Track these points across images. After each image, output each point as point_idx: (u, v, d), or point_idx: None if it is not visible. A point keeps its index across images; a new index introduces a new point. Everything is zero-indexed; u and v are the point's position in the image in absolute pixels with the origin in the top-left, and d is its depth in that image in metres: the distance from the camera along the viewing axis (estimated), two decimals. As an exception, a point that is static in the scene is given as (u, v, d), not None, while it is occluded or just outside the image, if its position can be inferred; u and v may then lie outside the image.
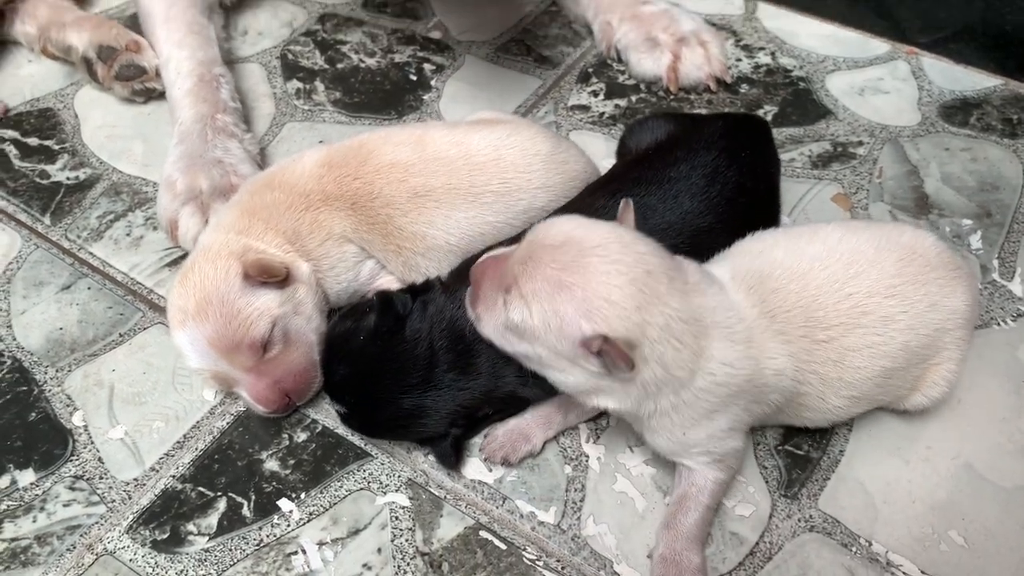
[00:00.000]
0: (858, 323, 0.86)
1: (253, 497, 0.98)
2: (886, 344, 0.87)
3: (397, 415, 0.93)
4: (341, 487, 0.98)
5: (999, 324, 1.09)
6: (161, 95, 1.40)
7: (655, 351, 0.76)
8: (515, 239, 0.92)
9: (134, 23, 1.53)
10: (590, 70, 1.45)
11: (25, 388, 1.09)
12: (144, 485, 1.00)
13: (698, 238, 0.94)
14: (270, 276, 0.97)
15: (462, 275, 0.94)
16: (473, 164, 1.02)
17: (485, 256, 0.86)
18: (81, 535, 0.96)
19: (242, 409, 1.05)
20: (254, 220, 1.03)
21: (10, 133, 1.41)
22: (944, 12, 1.39)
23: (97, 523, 0.97)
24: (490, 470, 0.98)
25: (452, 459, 0.95)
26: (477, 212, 1.02)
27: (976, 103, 1.36)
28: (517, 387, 0.92)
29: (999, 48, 1.38)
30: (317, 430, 1.03)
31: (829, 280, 0.87)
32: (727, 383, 0.80)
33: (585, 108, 1.38)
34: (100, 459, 1.02)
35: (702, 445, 0.84)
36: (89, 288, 1.19)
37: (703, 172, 0.98)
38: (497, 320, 0.82)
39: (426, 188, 1.02)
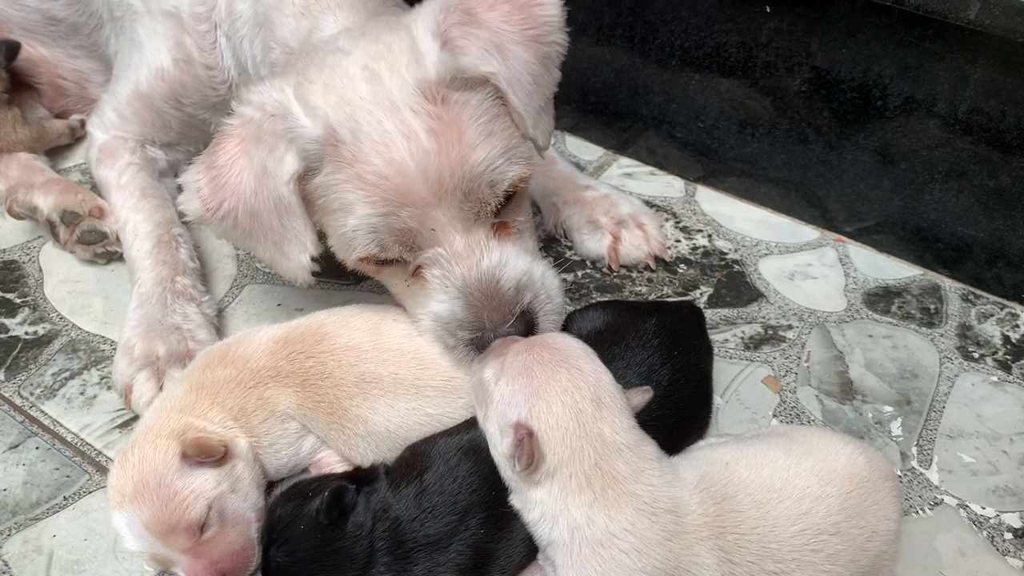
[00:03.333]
0: (808, 560, 0.91)
1: (186, 677, 0.98)
2: None
3: None
4: (275, 667, 0.99)
5: (917, 512, 1.15)
6: (121, 257, 1.45)
7: (562, 474, 0.88)
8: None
9: (106, 180, 1.60)
10: (540, 245, 1.54)
11: (-38, 552, 1.09)
12: (74, 661, 0.99)
13: None
14: (208, 456, 1.01)
15: (408, 466, 0.98)
16: (421, 359, 1.08)
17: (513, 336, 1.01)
18: None
19: (181, 580, 1.06)
20: (201, 396, 1.07)
21: (-27, 284, 1.45)
22: (867, 204, 1.50)
23: None
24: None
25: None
26: (418, 404, 1.07)
27: (897, 292, 1.46)
28: (450, 583, 0.95)
29: (918, 241, 1.49)
30: (255, 605, 1.04)
31: (784, 514, 0.93)
32: (623, 557, 0.86)
33: (534, 282, 1.46)
34: (31, 632, 1.02)
35: None
36: (37, 448, 1.21)
37: (638, 371, 1.05)
38: (482, 372, 0.96)
39: (374, 375, 1.07)
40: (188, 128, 1.49)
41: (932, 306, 1.44)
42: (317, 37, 1.13)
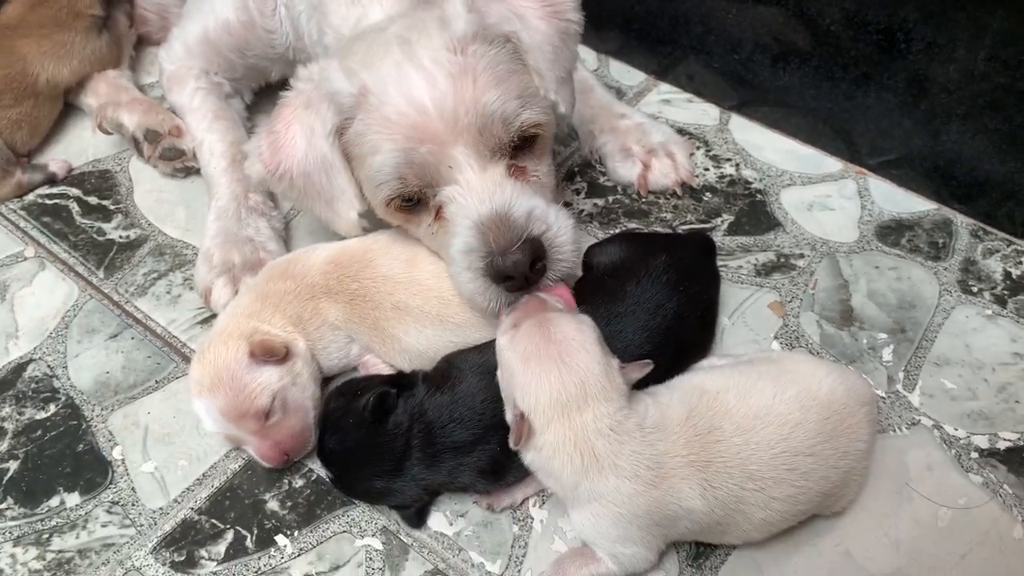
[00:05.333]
0: (784, 478, 1.06)
1: (255, 531, 1.20)
2: (804, 493, 1.08)
3: (370, 490, 1.17)
4: (328, 528, 1.20)
5: (895, 431, 1.29)
6: (198, 172, 1.62)
7: (549, 448, 1.03)
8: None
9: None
10: (576, 169, 1.66)
11: (75, 423, 1.31)
12: (168, 514, 1.22)
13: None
14: (271, 355, 1.19)
15: (443, 377, 1.16)
16: (443, 297, 1.23)
17: (540, 295, 1.12)
18: (114, 552, 1.18)
19: (251, 454, 1.27)
20: (265, 304, 1.25)
21: (74, 191, 1.64)
22: (889, 140, 1.58)
23: (128, 543, 1.19)
24: (451, 524, 1.19)
25: (415, 523, 1.18)
26: (440, 333, 1.23)
27: (909, 225, 1.56)
28: (471, 482, 1.15)
29: (936, 176, 1.57)
30: (312, 478, 1.25)
31: (767, 439, 1.06)
32: (612, 507, 1.03)
33: (567, 205, 1.59)
34: (133, 489, 1.24)
35: (599, 545, 1.06)
36: (132, 338, 1.42)
37: (647, 306, 1.19)
38: (501, 335, 1.08)
39: (406, 305, 1.23)
40: (252, 71, 1.64)
41: (941, 240, 1.53)
42: (365, 24, 1.25)
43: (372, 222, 1.26)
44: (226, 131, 1.57)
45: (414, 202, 1.17)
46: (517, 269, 1.11)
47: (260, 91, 1.73)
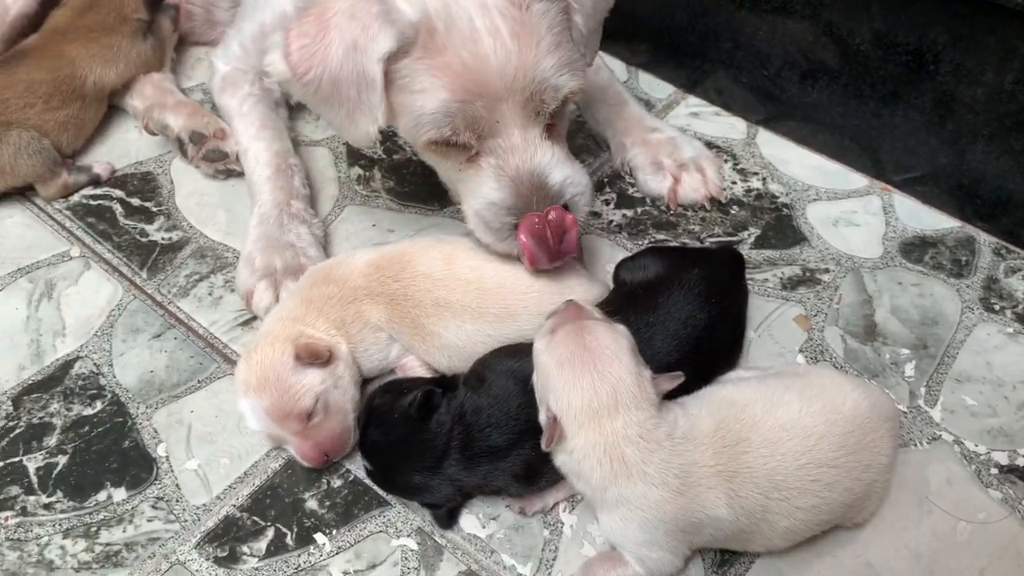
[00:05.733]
0: (808, 488, 1.09)
1: (295, 529, 1.24)
2: (827, 503, 1.11)
3: (407, 486, 1.21)
4: (365, 528, 1.24)
5: (916, 445, 1.32)
6: (239, 174, 1.68)
7: (579, 452, 1.07)
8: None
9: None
10: (605, 180, 1.70)
11: (121, 420, 1.36)
12: (211, 510, 1.26)
13: (663, 372, 1.14)
14: (316, 358, 1.24)
15: (479, 380, 1.20)
16: (482, 289, 1.27)
17: (579, 302, 1.17)
18: (159, 546, 1.22)
19: (292, 454, 1.31)
20: (310, 308, 1.30)
21: (117, 192, 1.69)
22: (915, 157, 1.61)
23: (172, 538, 1.23)
24: (483, 526, 1.23)
25: (446, 523, 1.22)
26: (480, 327, 1.27)
27: (933, 242, 1.59)
28: (504, 485, 1.19)
29: (960, 194, 1.60)
30: (350, 479, 1.29)
31: (792, 450, 1.10)
32: (639, 512, 1.06)
33: (597, 215, 1.63)
34: (177, 485, 1.29)
35: (627, 549, 1.09)
36: (175, 338, 1.46)
37: (678, 317, 1.23)
38: (539, 340, 1.12)
39: (445, 301, 1.27)
40: None
41: (964, 258, 1.56)
42: None
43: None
44: (272, 140, 1.61)
45: (452, 145, 1.21)
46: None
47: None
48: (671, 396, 1.14)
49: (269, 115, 1.66)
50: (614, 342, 1.09)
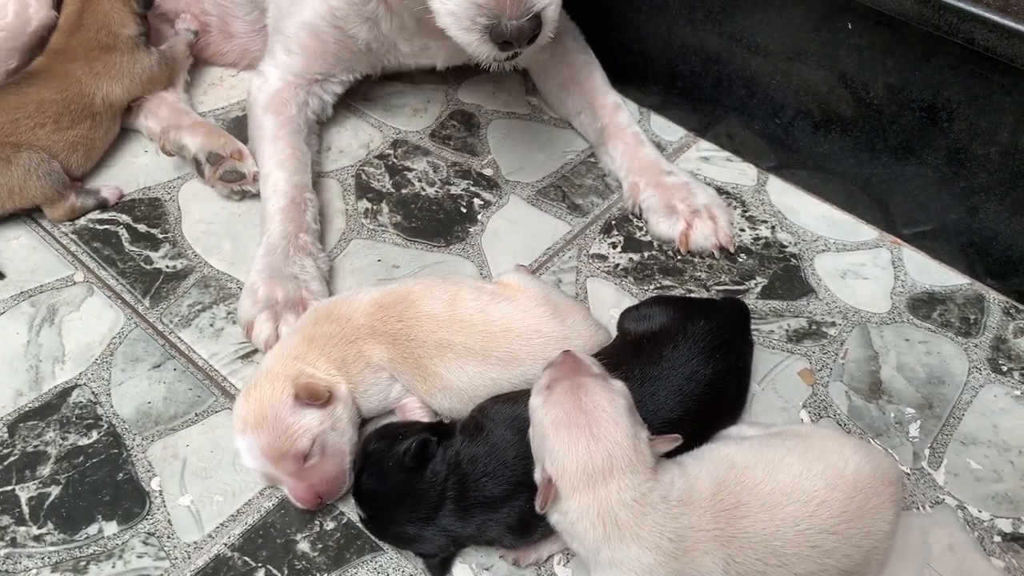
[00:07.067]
0: (806, 555, 1.07)
1: (286, 571, 1.22)
2: (825, 570, 1.09)
3: (400, 535, 1.19)
4: (357, 573, 1.22)
5: (918, 509, 1.30)
6: (254, 196, 1.68)
7: (574, 514, 1.06)
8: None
9: (236, 126, 1.82)
10: (613, 223, 1.69)
11: (116, 451, 1.35)
12: (201, 548, 1.25)
13: (664, 427, 1.15)
14: (315, 399, 1.22)
15: (476, 428, 1.19)
16: (487, 332, 1.27)
17: (577, 355, 1.15)
18: (149, 584, 1.21)
19: (285, 494, 1.30)
20: (311, 347, 1.29)
21: (123, 217, 1.69)
22: (925, 212, 1.60)
23: (161, 575, 1.22)
24: (476, 576, 1.22)
25: (439, 573, 1.20)
26: (483, 370, 1.26)
27: (941, 299, 1.57)
28: (499, 536, 1.17)
29: (971, 251, 1.58)
30: (344, 521, 1.27)
31: (792, 516, 1.08)
32: (633, 575, 1.05)
33: (603, 258, 1.62)
34: (169, 521, 1.28)
35: None
36: (175, 369, 1.46)
37: (683, 372, 1.22)
38: (536, 395, 1.11)
39: (449, 342, 1.27)
40: (343, 51, 1.70)
41: (972, 316, 1.55)
42: None
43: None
44: (294, 171, 1.62)
45: None
46: (519, 37, 1.23)
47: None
48: (670, 454, 1.12)
49: (300, 146, 1.67)
50: (611, 404, 1.07)
